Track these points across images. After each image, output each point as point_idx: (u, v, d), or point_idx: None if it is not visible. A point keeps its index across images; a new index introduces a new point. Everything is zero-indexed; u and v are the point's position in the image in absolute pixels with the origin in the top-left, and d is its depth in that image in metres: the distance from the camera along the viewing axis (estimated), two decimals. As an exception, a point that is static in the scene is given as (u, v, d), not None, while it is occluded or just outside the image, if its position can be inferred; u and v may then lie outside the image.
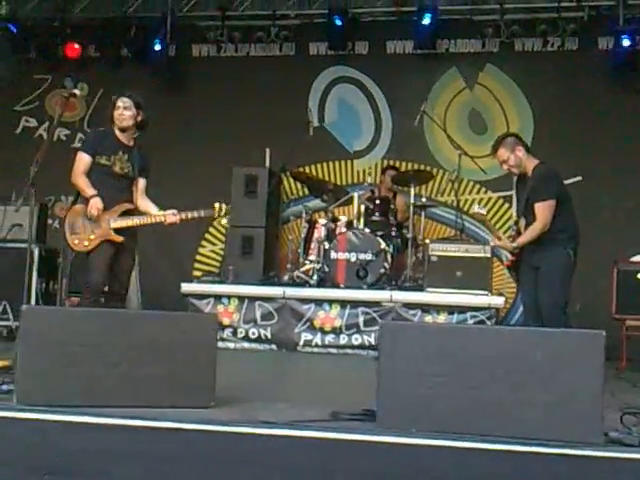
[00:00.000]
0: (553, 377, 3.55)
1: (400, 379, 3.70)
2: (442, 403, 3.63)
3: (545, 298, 5.97)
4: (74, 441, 3.79)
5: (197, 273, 9.95)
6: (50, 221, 9.77)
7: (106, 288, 5.94)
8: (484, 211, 6.77)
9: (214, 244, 10.25)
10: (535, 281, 6.02)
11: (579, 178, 9.39)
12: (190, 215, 6.06)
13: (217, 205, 6.09)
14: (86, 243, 5.86)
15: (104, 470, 3.73)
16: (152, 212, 6.08)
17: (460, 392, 3.62)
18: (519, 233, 6.15)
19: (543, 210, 5.91)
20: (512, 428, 3.53)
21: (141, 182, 6.17)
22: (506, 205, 9.51)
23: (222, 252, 10.05)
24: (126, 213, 6.01)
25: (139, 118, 6.07)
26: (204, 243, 10.28)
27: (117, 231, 5.90)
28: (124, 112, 5.99)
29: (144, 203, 6.15)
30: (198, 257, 10.26)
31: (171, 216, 6.01)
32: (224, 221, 5.96)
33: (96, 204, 5.83)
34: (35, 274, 8.41)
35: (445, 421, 3.61)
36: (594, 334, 3.57)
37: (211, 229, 10.25)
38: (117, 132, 6.07)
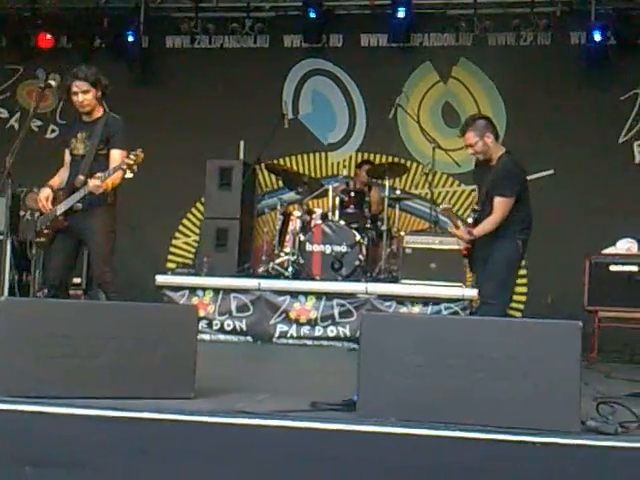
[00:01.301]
0: (531, 367, 3.60)
1: (380, 369, 3.72)
2: (422, 393, 3.67)
3: (488, 288, 5.93)
4: (54, 432, 3.77)
5: (171, 265, 9.93)
6: (22, 213, 9.72)
7: (56, 282, 5.72)
8: (449, 205, 6.77)
9: (188, 236, 10.23)
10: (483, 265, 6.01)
11: (551, 171, 9.50)
12: (107, 174, 5.50)
13: (132, 154, 5.50)
14: (43, 239, 5.75)
15: (84, 461, 3.72)
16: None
17: (439, 382, 3.66)
18: (477, 221, 6.04)
19: (502, 206, 5.82)
20: (491, 417, 3.57)
21: (111, 154, 5.70)
22: (479, 198, 9.57)
23: (196, 244, 10.05)
24: (73, 193, 5.66)
25: (99, 93, 5.71)
26: (178, 235, 10.27)
27: (67, 216, 5.65)
28: (84, 97, 5.64)
29: None
30: (172, 249, 10.24)
31: (95, 187, 5.47)
32: (128, 174, 5.44)
33: (39, 195, 5.71)
34: (7, 266, 8.37)
35: (425, 410, 3.64)
36: (571, 324, 3.62)
37: (185, 221, 10.24)
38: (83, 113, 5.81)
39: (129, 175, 5.48)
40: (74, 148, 5.75)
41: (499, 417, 3.56)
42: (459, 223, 6.07)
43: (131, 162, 5.42)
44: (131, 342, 4.07)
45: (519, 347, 3.63)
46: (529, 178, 9.34)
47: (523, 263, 9.39)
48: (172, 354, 4.13)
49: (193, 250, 10.14)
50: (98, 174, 5.51)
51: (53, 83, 5.66)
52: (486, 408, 3.60)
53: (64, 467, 3.66)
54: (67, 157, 5.86)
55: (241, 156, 9.78)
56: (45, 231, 5.71)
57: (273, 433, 3.66)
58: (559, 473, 3.38)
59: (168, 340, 4.12)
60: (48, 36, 10.22)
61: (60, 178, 5.88)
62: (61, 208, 5.65)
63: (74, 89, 5.65)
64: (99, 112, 5.77)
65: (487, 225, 5.88)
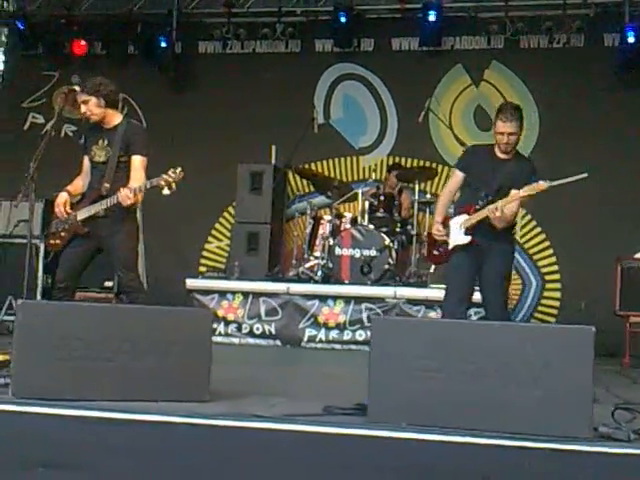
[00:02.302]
0: (543, 372, 3.55)
1: (391, 373, 3.71)
2: (433, 397, 3.64)
3: (497, 297, 5.76)
4: (68, 434, 3.80)
5: (203, 269, 9.98)
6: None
7: (63, 284, 5.62)
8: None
9: (220, 240, 10.27)
10: (474, 265, 5.73)
11: (584, 175, 9.35)
12: (143, 187, 5.42)
13: (171, 171, 5.40)
14: (58, 241, 5.70)
15: (98, 463, 3.74)
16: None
17: (450, 386, 3.63)
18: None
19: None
20: (502, 422, 3.54)
21: (132, 160, 5.58)
22: (511, 201, 9.45)
23: (228, 248, 10.08)
24: (97, 200, 5.57)
25: (102, 101, 5.59)
26: (210, 239, 10.31)
27: (87, 222, 5.58)
28: (86, 108, 5.60)
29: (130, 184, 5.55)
30: (204, 253, 10.29)
31: (125, 198, 5.39)
32: (165, 191, 5.37)
33: (56, 200, 5.67)
34: (41, 269, 8.49)
35: (435, 415, 3.62)
36: (584, 329, 3.57)
37: (217, 225, 10.29)
38: None
39: (167, 192, 5.41)
40: (95, 155, 5.69)
41: (510, 423, 3.52)
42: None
43: (170, 180, 5.37)
44: (145, 345, 4.10)
45: (531, 352, 3.58)
46: (563, 181, 9.34)
47: (557, 268, 9.48)
48: (186, 357, 4.15)
49: (225, 254, 10.17)
50: (131, 185, 5.46)
51: (77, 88, 5.66)
52: (497, 413, 3.57)
53: (76, 469, 3.70)
54: (86, 163, 5.82)
55: (272, 160, 9.79)
56: (62, 234, 5.68)
57: (283, 437, 3.66)
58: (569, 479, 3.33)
59: (182, 343, 4.15)
60: (82, 42, 10.35)
61: (79, 183, 5.84)
62: (83, 214, 5.60)
63: (78, 102, 5.65)
64: (116, 119, 5.72)
65: (510, 216, 5.72)
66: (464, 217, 5.78)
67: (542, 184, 5.48)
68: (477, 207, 5.72)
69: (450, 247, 5.83)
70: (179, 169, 5.41)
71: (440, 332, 3.75)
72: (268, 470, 3.64)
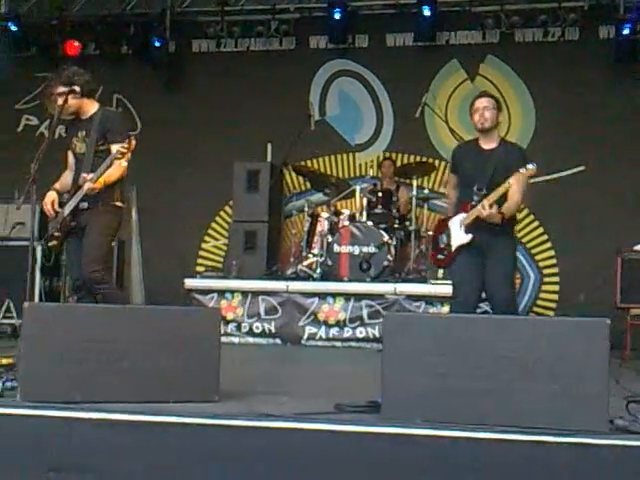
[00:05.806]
0: (558, 366, 3.53)
1: (404, 370, 3.68)
2: (446, 393, 3.62)
3: (507, 293, 5.54)
4: (77, 437, 3.76)
5: (200, 268, 9.93)
6: (52, 219, 9.79)
7: (79, 282, 5.46)
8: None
9: (217, 239, 10.23)
10: (479, 264, 5.54)
11: (582, 168, 9.40)
12: (102, 170, 5.27)
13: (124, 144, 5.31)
14: (55, 242, 5.57)
15: (107, 466, 3.71)
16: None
17: (464, 382, 3.61)
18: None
19: (525, 184, 5.47)
20: (517, 417, 3.52)
21: (111, 149, 5.39)
22: (508, 195, 9.42)
23: (225, 247, 10.04)
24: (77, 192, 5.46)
25: (77, 89, 5.47)
26: (207, 238, 10.27)
27: (75, 216, 5.43)
28: (61, 100, 5.48)
29: None
30: (201, 252, 10.25)
31: (86, 188, 5.29)
32: (124, 163, 5.33)
33: (44, 200, 5.51)
34: (38, 272, 8.43)
35: (449, 411, 3.59)
36: (598, 322, 3.55)
37: (214, 224, 10.25)
38: None
39: (124, 164, 5.34)
40: (75, 147, 5.60)
41: (525, 417, 3.50)
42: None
43: (124, 151, 5.27)
44: (154, 346, 4.06)
45: (545, 345, 3.56)
46: (560, 175, 9.40)
47: (555, 262, 9.48)
48: (196, 357, 4.11)
49: (222, 253, 10.14)
50: (90, 175, 5.33)
51: (77, 89, 5.60)
52: (512, 408, 3.55)
53: (85, 472, 3.66)
54: (70, 158, 5.71)
55: (268, 158, 9.75)
56: (56, 234, 5.54)
57: (297, 436, 3.63)
58: (587, 473, 3.31)
59: (192, 343, 4.11)
60: (76, 43, 10.26)
61: (66, 180, 5.71)
62: (67, 209, 5.47)
63: (54, 95, 5.56)
64: (93, 108, 5.61)
65: (514, 207, 5.53)
66: (462, 215, 5.62)
67: (530, 168, 5.33)
68: (473, 203, 5.54)
69: (454, 248, 5.65)
70: (132, 138, 5.31)
71: (453, 327, 3.72)
72: (280, 469, 3.61)
